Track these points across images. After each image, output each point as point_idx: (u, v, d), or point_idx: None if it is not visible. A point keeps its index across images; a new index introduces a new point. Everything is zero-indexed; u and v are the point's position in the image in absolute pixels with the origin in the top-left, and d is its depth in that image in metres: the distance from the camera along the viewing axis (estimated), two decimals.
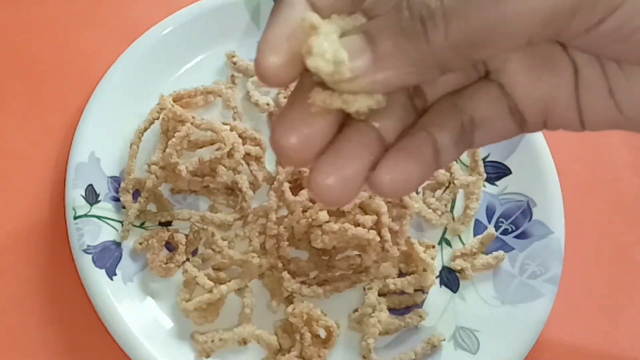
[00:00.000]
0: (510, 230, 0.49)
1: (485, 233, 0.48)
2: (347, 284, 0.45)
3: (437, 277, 0.47)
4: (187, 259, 0.46)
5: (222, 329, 0.44)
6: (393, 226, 0.46)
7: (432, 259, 0.47)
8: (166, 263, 0.45)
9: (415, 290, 0.47)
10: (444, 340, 0.46)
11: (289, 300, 0.45)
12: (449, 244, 0.49)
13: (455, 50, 0.23)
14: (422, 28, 0.23)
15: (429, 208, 0.49)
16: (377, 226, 0.45)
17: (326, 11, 0.24)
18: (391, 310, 0.46)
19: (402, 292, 0.46)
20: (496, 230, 0.49)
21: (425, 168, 0.26)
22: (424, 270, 0.46)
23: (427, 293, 0.47)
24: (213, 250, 0.46)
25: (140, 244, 0.45)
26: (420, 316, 0.46)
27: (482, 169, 0.50)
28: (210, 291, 0.44)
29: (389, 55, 0.23)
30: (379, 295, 0.46)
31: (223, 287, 0.44)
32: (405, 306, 0.47)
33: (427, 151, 0.26)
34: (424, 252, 0.47)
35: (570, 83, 0.27)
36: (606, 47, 0.25)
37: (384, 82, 0.24)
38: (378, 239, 0.45)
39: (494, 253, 0.48)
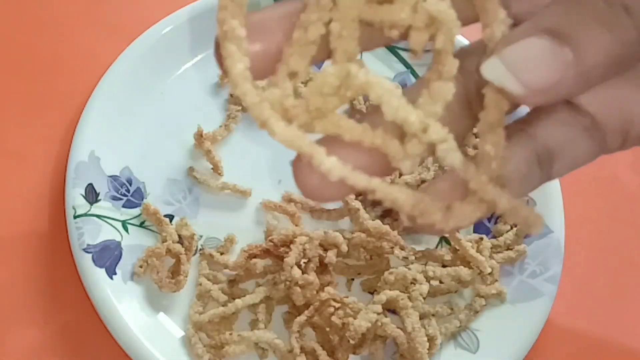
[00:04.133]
0: (510, 229, 0.49)
1: (519, 225, 0.48)
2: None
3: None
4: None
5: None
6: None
7: (487, 250, 0.47)
8: (173, 277, 0.45)
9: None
10: (485, 305, 0.46)
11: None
12: (448, 242, 0.49)
13: None
14: (627, 16, 0.20)
15: None
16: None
17: None
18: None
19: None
20: None
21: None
22: (477, 267, 0.46)
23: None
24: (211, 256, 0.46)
25: (141, 266, 0.45)
26: (452, 308, 0.46)
27: None
28: (224, 305, 0.44)
29: (589, 53, 0.20)
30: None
31: (238, 301, 0.44)
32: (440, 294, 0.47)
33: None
34: (476, 248, 0.47)
35: None
36: None
37: (580, 86, 0.21)
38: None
39: (517, 247, 0.48)
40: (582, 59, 0.20)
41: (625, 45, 0.21)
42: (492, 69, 0.21)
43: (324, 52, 0.21)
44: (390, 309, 0.45)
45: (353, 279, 0.47)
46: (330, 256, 0.45)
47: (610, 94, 0.24)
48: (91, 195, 0.46)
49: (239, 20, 0.20)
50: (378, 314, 0.43)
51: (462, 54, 0.23)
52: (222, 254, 0.46)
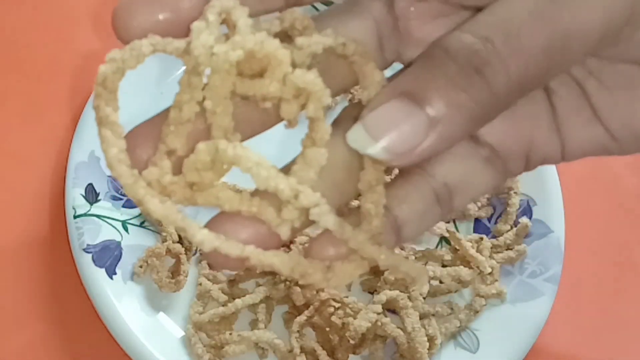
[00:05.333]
0: (510, 229, 0.49)
1: (519, 225, 0.48)
2: None
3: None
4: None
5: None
6: None
7: (487, 250, 0.47)
8: (173, 277, 0.45)
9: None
10: (485, 304, 0.46)
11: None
12: (448, 242, 0.49)
13: (520, 86, 0.21)
14: (478, 77, 0.21)
15: None
16: None
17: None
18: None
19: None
20: None
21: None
22: (477, 267, 0.46)
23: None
24: None
25: (141, 266, 0.45)
26: (452, 308, 0.46)
27: None
28: (224, 305, 0.44)
29: (445, 115, 0.20)
30: None
31: (238, 301, 0.44)
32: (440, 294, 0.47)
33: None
34: (476, 248, 0.47)
35: (546, 108, 0.25)
36: (625, 53, 0.23)
37: (441, 145, 0.21)
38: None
39: (517, 247, 0.47)
40: (440, 121, 0.20)
41: (480, 103, 0.21)
42: (355, 137, 0.21)
43: (203, 128, 0.22)
44: (390, 309, 0.45)
45: None
46: None
47: (507, 122, 0.25)
48: (91, 195, 0.46)
49: (112, 107, 0.22)
50: (378, 314, 0.43)
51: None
52: None
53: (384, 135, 0.21)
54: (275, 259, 0.21)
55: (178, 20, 0.22)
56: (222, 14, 0.21)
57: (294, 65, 0.21)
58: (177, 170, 0.22)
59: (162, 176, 0.21)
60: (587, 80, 0.25)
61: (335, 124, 0.23)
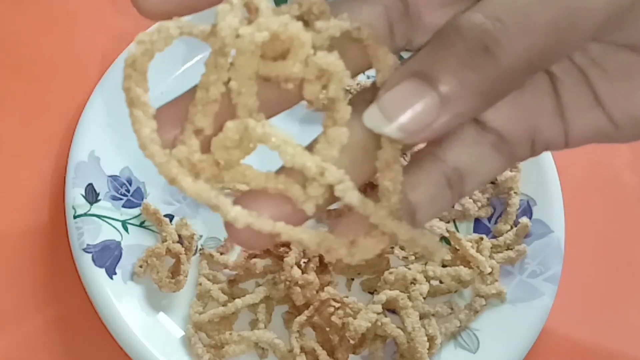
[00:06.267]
0: (510, 228, 0.49)
1: (519, 225, 0.48)
2: None
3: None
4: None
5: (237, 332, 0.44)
6: None
7: (487, 250, 0.47)
8: (172, 277, 0.45)
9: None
10: (485, 304, 0.46)
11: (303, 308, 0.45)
12: (448, 242, 0.49)
13: (528, 64, 0.22)
14: (487, 55, 0.21)
15: (469, 198, 0.49)
16: None
17: None
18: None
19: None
20: None
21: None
22: (477, 267, 0.46)
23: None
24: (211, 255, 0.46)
25: (141, 266, 0.45)
26: (452, 308, 0.46)
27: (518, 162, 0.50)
28: (224, 305, 0.44)
29: (456, 93, 0.21)
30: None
31: (238, 301, 0.44)
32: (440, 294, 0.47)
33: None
34: (476, 248, 0.47)
35: (550, 95, 0.26)
36: (629, 38, 0.24)
37: (453, 122, 0.22)
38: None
39: (517, 247, 0.47)
40: (451, 99, 0.21)
41: (490, 80, 0.21)
42: (371, 117, 0.22)
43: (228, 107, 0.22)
44: (390, 308, 0.45)
45: (353, 279, 0.47)
46: None
47: (513, 108, 0.25)
48: (91, 195, 0.46)
49: (142, 88, 0.22)
50: (378, 313, 0.43)
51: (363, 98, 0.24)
52: (222, 253, 0.46)
53: (399, 115, 0.22)
54: (304, 235, 0.22)
55: None
56: None
57: (314, 48, 0.22)
58: (205, 149, 0.22)
59: (191, 154, 0.22)
60: (590, 68, 0.25)
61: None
